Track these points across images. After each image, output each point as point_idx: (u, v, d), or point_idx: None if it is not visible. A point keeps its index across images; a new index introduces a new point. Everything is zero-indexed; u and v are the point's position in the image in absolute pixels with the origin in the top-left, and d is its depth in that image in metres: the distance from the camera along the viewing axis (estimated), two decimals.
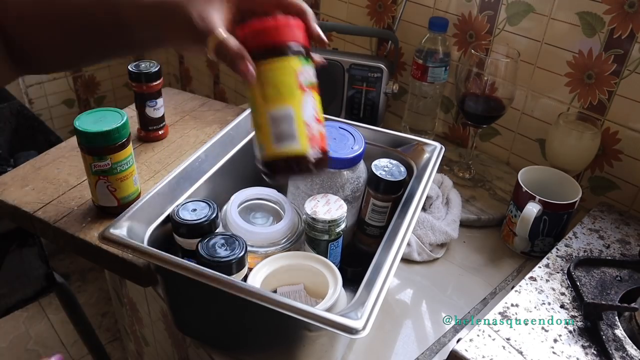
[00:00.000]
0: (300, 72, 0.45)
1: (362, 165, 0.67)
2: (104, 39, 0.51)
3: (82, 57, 0.56)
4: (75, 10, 0.50)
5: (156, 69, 0.89)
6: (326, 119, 0.55)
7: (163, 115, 0.95)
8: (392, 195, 0.65)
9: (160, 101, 0.92)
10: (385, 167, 0.66)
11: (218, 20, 0.46)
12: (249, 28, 0.45)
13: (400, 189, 0.66)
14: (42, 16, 0.51)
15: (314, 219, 0.59)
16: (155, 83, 0.90)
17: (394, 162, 0.67)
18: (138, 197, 0.78)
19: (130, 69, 0.88)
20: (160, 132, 0.95)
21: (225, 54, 0.45)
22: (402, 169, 0.66)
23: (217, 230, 0.60)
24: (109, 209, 0.76)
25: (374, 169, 0.65)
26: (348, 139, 0.66)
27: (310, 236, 0.60)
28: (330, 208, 0.60)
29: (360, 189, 0.68)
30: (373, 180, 0.65)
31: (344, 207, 0.61)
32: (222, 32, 0.46)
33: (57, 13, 0.51)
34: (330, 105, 1.01)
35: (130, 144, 0.73)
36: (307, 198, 0.63)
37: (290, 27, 0.45)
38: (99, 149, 0.70)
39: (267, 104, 0.44)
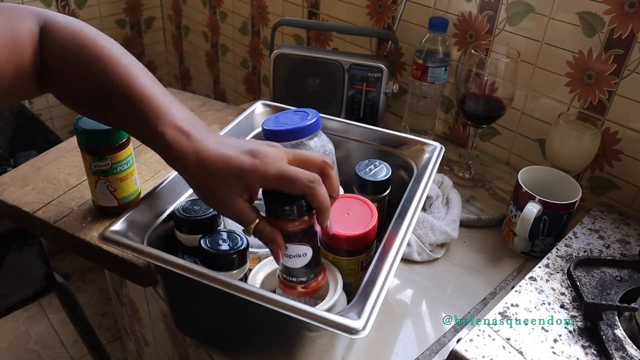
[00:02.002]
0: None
1: (324, 136, 0.69)
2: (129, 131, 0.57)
3: (102, 119, 0.61)
4: (119, 103, 0.54)
5: None
6: (283, 108, 0.74)
7: None
8: (377, 196, 0.65)
9: None
10: (370, 168, 0.66)
11: (246, 210, 0.51)
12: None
13: (385, 189, 0.66)
14: (77, 78, 0.54)
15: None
16: None
17: (379, 162, 0.67)
18: (138, 197, 0.77)
19: None
20: None
21: (261, 237, 0.52)
22: (387, 169, 0.67)
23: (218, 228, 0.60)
24: (109, 209, 0.75)
25: (357, 171, 0.66)
26: (302, 115, 0.69)
27: None
28: None
29: (330, 157, 0.68)
30: (358, 182, 0.66)
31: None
32: (258, 221, 0.51)
33: (92, 82, 0.54)
34: (330, 105, 1.01)
35: (131, 144, 0.73)
36: None
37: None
38: (99, 149, 0.70)
39: None
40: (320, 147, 0.68)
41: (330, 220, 0.52)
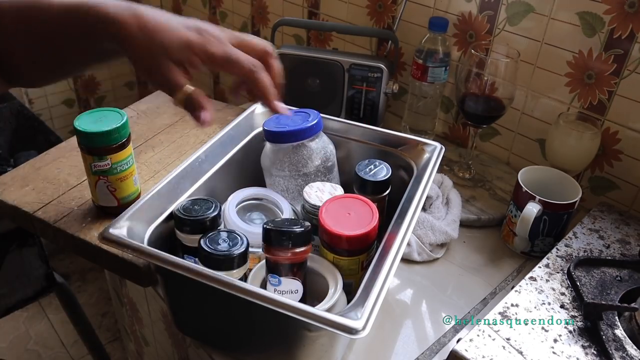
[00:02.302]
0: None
1: (325, 137, 0.70)
2: (76, 47, 0.53)
3: (61, 67, 0.56)
4: (52, 20, 0.51)
5: None
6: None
7: None
8: (377, 196, 0.65)
9: None
10: (370, 168, 0.66)
11: (181, 78, 0.50)
12: None
13: (385, 189, 0.66)
14: (23, 27, 0.52)
15: (309, 203, 0.62)
16: None
17: (379, 162, 0.68)
18: (138, 197, 0.77)
19: None
20: None
21: (193, 107, 0.51)
22: (387, 169, 0.67)
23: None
24: (109, 209, 0.75)
25: (357, 171, 0.66)
26: (303, 116, 0.69)
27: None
28: (322, 195, 0.63)
29: (331, 159, 0.69)
30: (358, 182, 0.66)
31: (338, 191, 0.63)
32: (189, 87, 0.50)
33: (36, 23, 0.51)
34: (330, 106, 1.01)
35: (131, 144, 0.73)
36: (283, 182, 0.67)
37: None
38: (99, 149, 0.70)
39: None
40: (321, 148, 0.68)
41: (280, 104, 0.53)
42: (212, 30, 0.51)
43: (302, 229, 0.54)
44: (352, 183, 0.67)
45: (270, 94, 0.52)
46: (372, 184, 0.65)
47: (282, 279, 0.55)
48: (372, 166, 0.67)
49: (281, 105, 0.55)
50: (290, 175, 0.68)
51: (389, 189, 0.67)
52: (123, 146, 0.71)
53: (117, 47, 0.51)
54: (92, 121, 0.69)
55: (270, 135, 0.68)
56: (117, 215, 0.57)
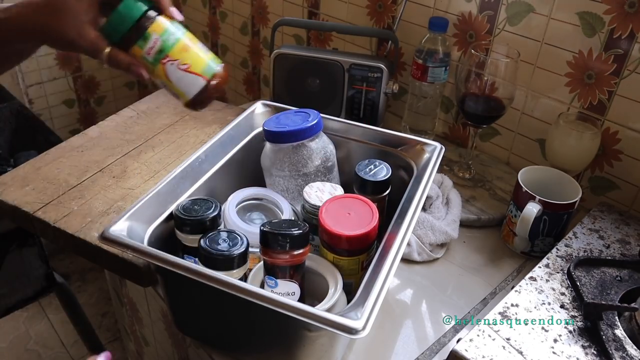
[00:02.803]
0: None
1: (325, 137, 0.70)
2: None
3: None
4: None
5: None
6: (284, 109, 0.75)
7: None
8: (377, 196, 0.65)
9: None
10: (370, 168, 0.67)
11: (96, 37, 0.54)
12: None
13: (385, 189, 0.66)
14: None
15: (309, 203, 0.63)
16: None
17: (379, 162, 0.68)
18: (224, 68, 0.62)
19: None
20: None
21: (118, 64, 0.55)
22: (387, 168, 0.67)
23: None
24: (203, 93, 0.60)
25: (357, 171, 0.66)
26: (303, 116, 0.70)
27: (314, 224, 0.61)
28: (322, 195, 0.63)
29: (331, 159, 0.69)
30: (358, 182, 0.66)
31: (338, 191, 0.63)
32: (107, 48, 0.54)
33: None
34: (330, 106, 1.02)
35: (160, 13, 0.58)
36: (283, 182, 0.67)
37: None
38: (134, 28, 0.56)
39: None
40: (321, 148, 0.68)
41: (174, 9, 0.56)
42: None
43: (300, 231, 0.54)
44: (352, 183, 0.67)
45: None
46: (372, 184, 0.65)
47: (278, 281, 0.55)
48: (372, 166, 0.67)
49: (175, 10, 0.56)
50: (290, 175, 0.68)
51: (389, 189, 0.67)
52: (155, 10, 0.57)
53: (27, 44, 0.55)
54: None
55: (270, 135, 0.68)
56: (217, 99, 0.57)
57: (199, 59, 0.59)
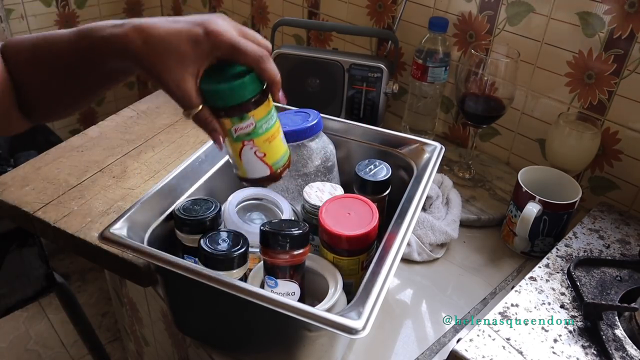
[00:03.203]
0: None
1: (325, 137, 0.70)
2: (87, 73, 0.54)
3: (73, 96, 0.58)
4: (60, 53, 0.53)
5: None
6: (283, 109, 0.74)
7: None
8: (377, 196, 0.65)
9: None
10: (370, 168, 0.67)
11: (193, 92, 0.50)
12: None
13: (385, 189, 0.66)
14: (34, 59, 0.54)
15: (309, 203, 0.63)
16: None
17: (379, 162, 0.68)
18: (289, 159, 0.61)
19: None
20: None
21: (204, 124, 0.52)
22: (387, 168, 0.67)
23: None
24: (261, 180, 0.60)
25: (357, 171, 0.66)
26: (303, 116, 0.70)
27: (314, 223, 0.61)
28: (322, 195, 0.63)
29: (331, 159, 0.69)
30: (358, 182, 0.66)
31: (338, 191, 0.63)
32: (200, 106, 0.51)
33: (45, 55, 0.54)
34: (330, 106, 1.01)
35: (269, 96, 0.56)
36: (282, 182, 0.68)
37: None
38: (238, 107, 0.54)
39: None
40: (321, 148, 0.68)
41: (282, 93, 0.53)
42: (216, 21, 0.50)
43: (300, 231, 0.54)
44: (352, 183, 0.67)
45: (277, 82, 0.52)
46: (372, 184, 0.65)
47: (278, 281, 0.55)
48: (372, 166, 0.67)
49: (282, 96, 0.54)
50: (290, 175, 0.68)
51: (389, 189, 0.67)
52: (264, 96, 0.55)
53: (126, 65, 0.51)
54: (216, 79, 0.53)
55: None
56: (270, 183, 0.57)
57: (275, 152, 0.59)
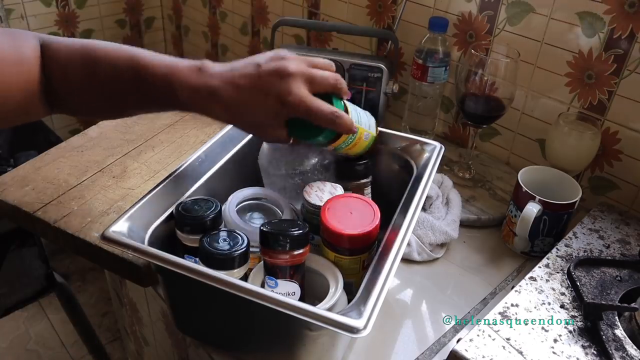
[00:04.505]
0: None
1: None
2: (136, 102, 0.59)
3: (109, 112, 0.64)
4: (118, 84, 0.57)
5: None
6: None
7: None
8: (356, 182, 0.67)
9: None
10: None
11: (284, 136, 0.59)
12: None
13: (364, 175, 0.67)
14: (84, 71, 0.57)
15: (308, 203, 0.63)
16: None
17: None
18: (373, 143, 0.68)
19: None
20: None
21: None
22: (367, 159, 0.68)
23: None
24: None
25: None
26: None
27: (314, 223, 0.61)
28: (322, 194, 0.63)
29: (327, 157, 0.69)
30: (337, 168, 0.68)
31: (338, 191, 0.64)
32: (291, 140, 0.60)
33: (98, 75, 0.57)
34: None
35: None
36: (280, 181, 0.68)
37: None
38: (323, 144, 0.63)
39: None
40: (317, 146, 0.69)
41: (355, 125, 0.60)
42: (288, 85, 0.55)
43: (300, 231, 0.54)
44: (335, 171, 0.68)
45: (350, 130, 0.59)
46: (348, 167, 0.66)
47: (279, 281, 0.55)
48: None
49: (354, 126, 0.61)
50: (287, 174, 0.68)
51: (370, 178, 0.67)
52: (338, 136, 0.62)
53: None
54: (300, 127, 0.60)
55: None
56: None
57: (356, 152, 0.66)
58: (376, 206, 0.60)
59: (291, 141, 0.61)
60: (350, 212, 0.59)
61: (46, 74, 0.57)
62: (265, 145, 0.70)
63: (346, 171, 0.67)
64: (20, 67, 0.55)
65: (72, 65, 0.57)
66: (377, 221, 0.58)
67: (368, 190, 0.68)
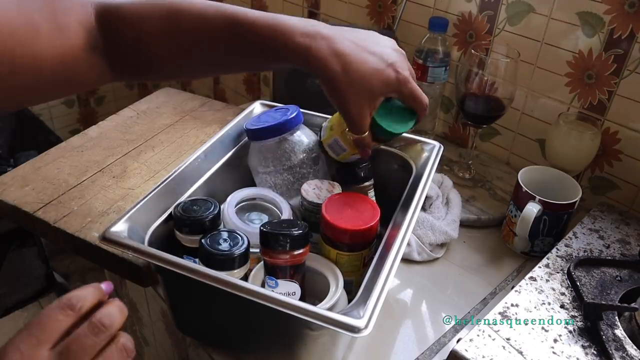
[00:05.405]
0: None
1: (307, 129, 0.70)
2: (235, 58, 0.57)
3: (202, 70, 0.62)
4: (214, 39, 0.55)
5: None
6: (278, 109, 0.74)
7: None
8: (357, 185, 0.66)
9: None
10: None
11: (368, 122, 0.57)
12: None
13: (365, 178, 0.67)
14: (169, 29, 0.55)
15: (307, 201, 0.63)
16: None
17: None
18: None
19: None
20: None
21: (360, 145, 0.60)
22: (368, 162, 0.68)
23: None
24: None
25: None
26: (283, 112, 0.70)
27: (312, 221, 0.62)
28: (320, 192, 0.63)
29: (315, 150, 0.69)
30: (337, 170, 0.68)
31: (336, 189, 0.64)
32: (367, 131, 0.58)
33: (190, 34, 0.55)
34: (331, 106, 1.01)
35: None
36: (270, 178, 0.68)
37: None
38: (396, 139, 0.67)
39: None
40: (303, 140, 0.69)
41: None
42: (402, 63, 0.56)
43: (300, 231, 0.54)
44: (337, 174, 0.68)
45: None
46: (349, 170, 0.66)
47: (279, 281, 0.55)
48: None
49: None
50: (275, 171, 0.68)
51: (372, 180, 0.67)
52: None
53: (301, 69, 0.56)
54: (386, 116, 0.61)
55: (251, 134, 0.69)
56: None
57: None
58: (375, 203, 0.60)
59: (366, 134, 0.58)
60: (350, 208, 0.59)
61: (108, 36, 0.54)
62: (252, 144, 0.70)
63: (349, 175, 0.67)
64: (55, 33, 0.52)
65: (145, 14, 0.54)
66: (377, 216, 0.58)
67: (372, 193, 0.68)
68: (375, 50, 0.55)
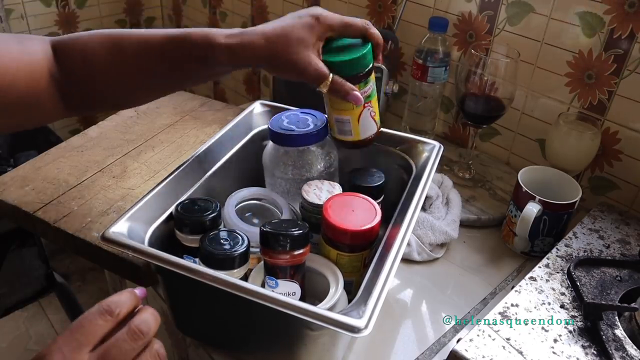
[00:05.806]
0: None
1: (330, 142, 0.70)
2: (180, 74, 0.60)
3: (150, 93, 0.65)
4: (151, 50, 0.59)
5: None
6: (285, 109, 0.75)
7: None
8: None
9: None
10: (365, 175, 0.67)
11: (322, 65, 0.59)
12: None
13: (379, 196, 0.66)
14: (112, 57, 0.59)
15: (307, 201, 0.63)
16: None
17: (375, 170, 0.68)
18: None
19: None
20: None
21: (339, 91, 0.60)
22: (381, 176, 0.67)
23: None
24: (367, 140, 0.68)
25: (353, 179, 0.67)
26: (310, 119, 0.69)
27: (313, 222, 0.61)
28: (321, 193, 0.63)
29: (334, 165, 0.69)
30: (352, 188, 0.66)
31: (336, 189, 0.64)
32: (331, 75, 0.59)
33: (132, 55, 0.58)
34: None
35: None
36: (285, 184, 0.67)
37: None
38: (365, 73, 0.62)
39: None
40: (326, 154, 0.68)
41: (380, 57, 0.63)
42: (320, 9, 0.60)
43: (300, 231, 0.54)
44: (349, 187, 0.67)
45: (382, 44, 0.62)
46: (365, 189, 0.65)
47: (279, 281, 0.55)
48: (367, 174, 0.67)
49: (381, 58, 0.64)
50: (293, 179, 0.67)
51: (383, 197, 0.67)
52: (373, 66, 0.64)
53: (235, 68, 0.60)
54: (339, 54, 0.62)
55: (276, 137, 0.67)
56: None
57: (378, 111, 0.67)
58: (377, 204, 0.60)
59: (331, 78, 0.59)
60: (352, 209, 0.59)
61: (62, 67, 0.58)
62: (271, 144, 0.69)
63: (361, 192, 0.65)
64: (22, 59, 0.56)
65: (92, 45, 0.58)
66: (378, 218, 0.58)
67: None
68: (292, 16, 0.59)
